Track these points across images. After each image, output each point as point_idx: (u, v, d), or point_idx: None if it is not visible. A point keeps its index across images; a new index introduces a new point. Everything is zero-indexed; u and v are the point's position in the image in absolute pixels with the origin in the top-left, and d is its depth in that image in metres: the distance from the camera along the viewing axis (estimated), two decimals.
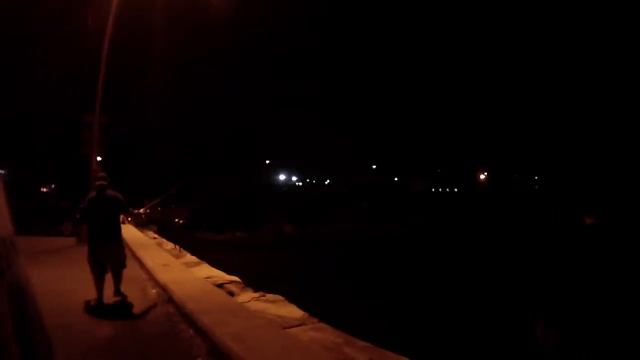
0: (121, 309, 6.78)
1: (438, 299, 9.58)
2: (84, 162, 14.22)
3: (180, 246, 13.19)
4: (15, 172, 28.16)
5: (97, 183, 6.97)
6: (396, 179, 74.69)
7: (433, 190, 70.86)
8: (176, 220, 22.94)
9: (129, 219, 15.80)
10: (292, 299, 7.13)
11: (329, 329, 5.99)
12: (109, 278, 7.02)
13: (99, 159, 14.09)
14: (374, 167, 77.71)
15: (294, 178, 72.66)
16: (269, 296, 7.28)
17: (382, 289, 10.61)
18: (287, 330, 5.74)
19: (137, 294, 7.56)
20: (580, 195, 48.55)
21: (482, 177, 77.60)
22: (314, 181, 73.16)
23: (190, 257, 11.46)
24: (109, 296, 6.99)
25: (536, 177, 71.51)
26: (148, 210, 16.17)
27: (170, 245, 13.77)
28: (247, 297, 7.27)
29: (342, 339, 5.63)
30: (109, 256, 6.96)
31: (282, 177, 70.92)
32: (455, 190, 70.85)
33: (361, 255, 15.96)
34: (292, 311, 6.55)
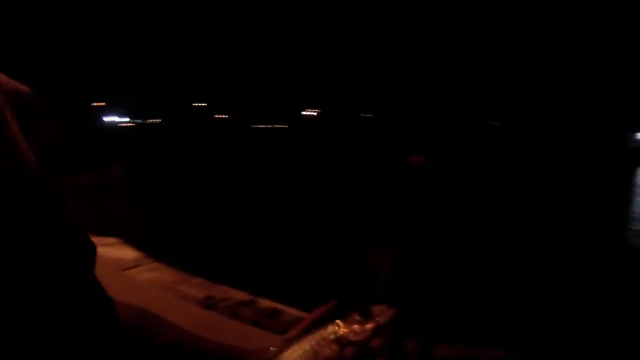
0: None
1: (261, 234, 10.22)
2: None
3: None
4: None
5: None
6: (225, 116, 74.82)
7: (263, 127, 71.86)
8: None
9: None
10: (128, 240, 7.31)
11: (164, 268, 6.35)
12: None
13: None
14: (203, 105, 76.63)
15: (126, 119, 69.16)
16: (106, 240, 7.37)
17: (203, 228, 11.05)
18: (125, 272, 6.01)
19: None
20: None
21: (310, 114, 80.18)
22: (146, 121, 70.48)
23: None
24: None
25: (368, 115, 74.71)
26: None
27: None
28: None
29: (178, 277, 6.03)
30: None
31: (114, 118, 67.12)
32: (285, 127, 72.56)
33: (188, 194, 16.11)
34: (129, 253, 6.78)
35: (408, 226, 3.37)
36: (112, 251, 6.78)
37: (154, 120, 70.82)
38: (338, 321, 0.73)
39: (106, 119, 65.94)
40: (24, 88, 0.62)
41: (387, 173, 3.71)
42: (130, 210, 12.43)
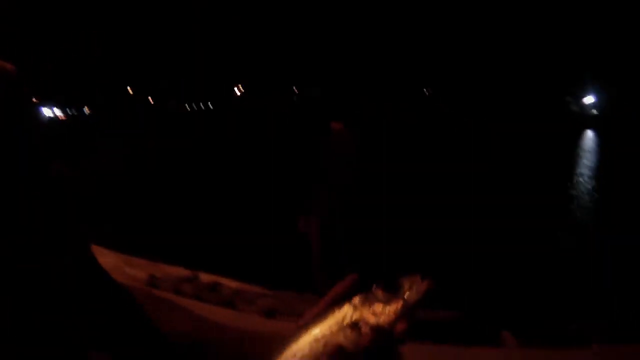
0: None
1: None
2: None
3: None
4: None
5: None
6: (151, 100, 73.25)
7: (188, 108, 70.54)
8: None
9: None
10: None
11: (107, 252, 6.43)
12: None
13: None
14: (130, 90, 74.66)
15: (57, 111, 66.51)
16: None
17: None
18: None
19: None
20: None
21: (237, 92, 78.71)
22: (75, 113, 67.94)
23: None
24: None
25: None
26: None
27: None
28: None
29: (121, 259, 6.14)
30: None
31: (47, 111, 64.40)
32: (210, 106, 71.41)
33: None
34: None
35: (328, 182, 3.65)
36: None
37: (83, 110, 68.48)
38: (355, 300, 0.62)
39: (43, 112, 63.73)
40: (8, 66, 0.60)
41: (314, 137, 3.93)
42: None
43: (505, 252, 6.87)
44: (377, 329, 0.59)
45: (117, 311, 0.73)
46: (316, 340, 0.60)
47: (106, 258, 6.23)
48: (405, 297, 0.61)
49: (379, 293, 0.61)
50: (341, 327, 0.60)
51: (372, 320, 0.60)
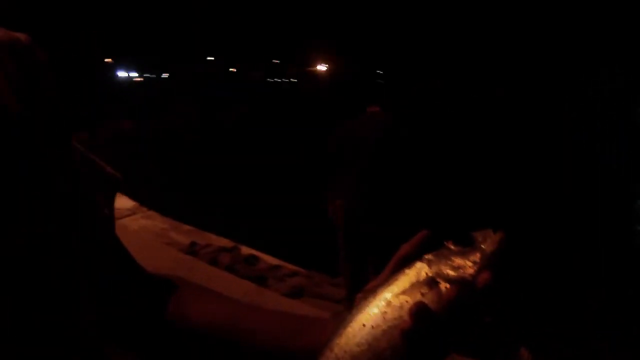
0: None
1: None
2: None
3: None
4: None
5: None
6: (233, 69, 74.47)
7: (270, 80, 71.40)
8: None
9: None
10: (124, 191, 7.56)
11: (157, 217, 6.65)
12: None
13: None
14: (211, 58, 76.13)
15: (133, 74, 68.88)
16: None
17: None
18: (119, 220, 6.30)
19: None
20: None
21: (320, 68, 79.16)
22: (154, 75, 70.15)
23: None
24: None
25: None
26: None
27: None
28: None
29: (169, 224, 6.34)
30: None
31: (121, 73, 66.89)
32: (294, 80, 72.04)
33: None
34: (125, 202, 7.05)
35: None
36: None
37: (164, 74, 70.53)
38: (428, 256, 0.55)
39: (120, 74, 66.34)
40: (21, 36, 0.59)
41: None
42: (132, 162, 12.63)
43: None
44: (459, 281, 0.52)
45: (140, 301, 0.69)
46: (388, 304, 0.53)
47: (155, 221, 6.46)
48: (483, 247, 0.54)
49: (452, 247, 0.55)
50: (416, 286, 0.53)
51: (451, 273, 0.53)
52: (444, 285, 0.52)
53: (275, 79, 72.30)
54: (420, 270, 0.54)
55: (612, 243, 7.03)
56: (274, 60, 76.93)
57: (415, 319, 0.50)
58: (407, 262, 0.55)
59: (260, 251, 5.17)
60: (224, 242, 5.40)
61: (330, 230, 4.03)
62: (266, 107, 31.93)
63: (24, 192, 0.52)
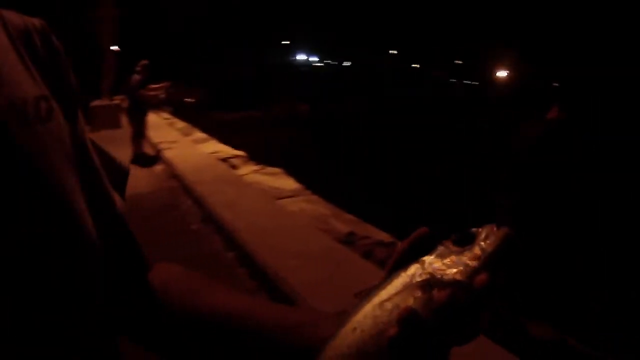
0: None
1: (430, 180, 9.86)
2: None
3: (192, 125, 13.45)
4: None
5: None
6: (416, 66, 73.56)
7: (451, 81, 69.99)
8: (186, 100, 23.02)
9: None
10: (291, 172, 7.45)
11: (320, 202, 6.38)
12: None
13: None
14: (394, 52, 76.11)
15: (313, 58, 71.78)
16: (269, 169, 7.62)
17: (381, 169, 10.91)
18: (279, 200, 6.13)
19: (142, 172, 8.00)
20: None
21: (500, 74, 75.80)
22: (334, 62, 72.45)
23: (199, 134, 11.81)
24: None
25: None
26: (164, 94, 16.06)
27: (181, 124, 14.03)
28: (247, 170, 7.64)
29: (330, 211, 6.03)
30: None
31: (301, 57, 70.02)
32: (476, 83, 69.97)
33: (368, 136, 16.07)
34: (288, 183, 6.91)
35: None
36: (271, 180, 6.96)
37: (346, 62, 72.35)
38: (424, 258, 0.51)
39: (297, 57, 69.58)
40: (35, 22, 0.60)
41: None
42: (305, 146, 12.84)
43: None
44: (452, 284, 0.49)
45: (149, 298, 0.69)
46: (380, 307, 0.51)
47: (316, 206, 6.19)
48: (482, 245, 0.50)
49: (451, 246, 0.51)
50: (409, 289, 0.51)
51: (447, 276, 0.50)
52: (437, 289, 0.50)
53: (463, 80, 70.82)
54: (415, 272, 0.51)
55: (614, 244, 6.09)
56: (456, 61, 74.74)
57: (402, 325, 0.49)
58: (403, 262, 0.53)
59: None
60: (383, 235, 4.97)
61: None
62: (450, 108, 30.87)
63: (24, 192, 0.52)
